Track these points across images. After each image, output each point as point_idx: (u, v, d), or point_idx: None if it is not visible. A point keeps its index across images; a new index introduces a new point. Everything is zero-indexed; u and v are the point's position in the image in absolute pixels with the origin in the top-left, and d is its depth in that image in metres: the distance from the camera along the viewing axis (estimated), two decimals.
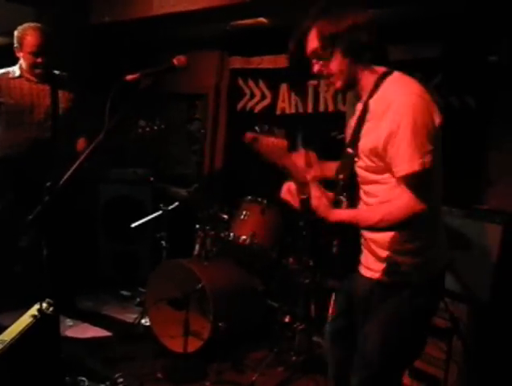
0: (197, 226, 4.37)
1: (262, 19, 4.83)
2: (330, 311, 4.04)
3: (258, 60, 5.44)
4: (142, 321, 4.31)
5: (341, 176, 2.14)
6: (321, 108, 4.96)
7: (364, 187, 2.18)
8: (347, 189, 2.14)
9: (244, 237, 4.21)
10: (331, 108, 4.90)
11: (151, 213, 4.53)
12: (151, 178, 4.79)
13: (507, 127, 3.94)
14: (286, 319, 4.07)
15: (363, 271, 2.27)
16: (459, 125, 4.11)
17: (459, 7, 3.94)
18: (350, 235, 2.13)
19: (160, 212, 4.47)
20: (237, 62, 5.64)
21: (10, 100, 4.03)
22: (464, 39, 4.11)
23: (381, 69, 2.12)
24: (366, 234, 2.21)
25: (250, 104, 5.56)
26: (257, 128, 2.10)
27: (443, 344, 3.29)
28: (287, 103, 5.24)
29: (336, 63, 2.06)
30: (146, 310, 4.21)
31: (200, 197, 4.44)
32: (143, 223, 4.51)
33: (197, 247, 4.35)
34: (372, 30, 2.07)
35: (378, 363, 2.20)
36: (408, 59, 4.40)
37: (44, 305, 2.53)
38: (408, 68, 4.45)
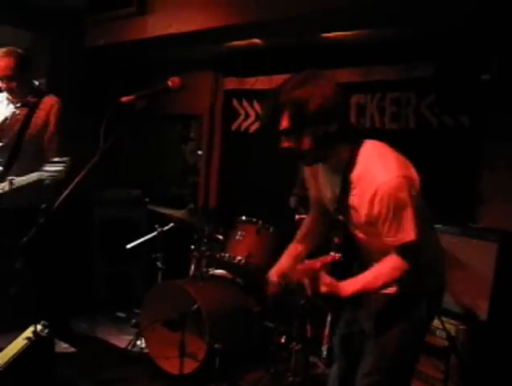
0: (192, 247, 4.37)
1: (255, 40, 4.87)
2: (326, 332, 4.04)
3: (253, 81, 5.47)
4: (138, 342, 4.28)
5: (336, 240, 2.36)
6: None
7: (369, 239, 2.31)
8: (343, 249, 2.32)
9: (239, 258, 4.20)
10: None
11: (146, 234, 4.52)
12: (146, 199, 4.79)
13: (500, 145, 3.97)
14: (282, 340, 4.05)
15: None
16: (452, 144, 4.14)
17: (451, 27, 3.99)
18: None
19: (155, 233, 4.46)
20: (231, 83, 5.67)
21: None
22: (457, 58, 4.15)
23: (351, 143, 2.22)
24: (376, 255, 2.31)
25: (245, 124, 5.59)
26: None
27: (441, 363, 3.27)
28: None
29: (304, 145, 2.17)
30: (142, 332, 4.19)
31: (195, 218, 4.43)
32: (138, 245, 4.50)
33: (192, 268, 4.34)
34: (340, 114, 2.17)
35: (391, 368, 2.37)
36: (402, 78, 4.44)
37: (39, 327, 2.51)
38: (402, 88, 4.54)
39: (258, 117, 5.48)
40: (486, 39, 3.92)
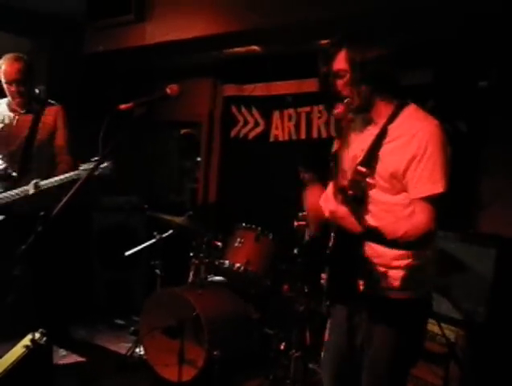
0: (191, 254, 4.36)
1: (254, 47, 4.88)
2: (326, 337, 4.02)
3: (251, 88, 5.48)
4: (137, 350, 4.27)
5: (351, 192, 2.20)
6: (314, 134, 5.00)
7: (371, 208, 2.27)
8: (357, 204, 2.21)
9: (238, 265, 4.20)
10: (324, 134, 4.94)
11: (145, 241, 4.51)
12: (145, 206, 4.79)
13: (499, 151, 3.97)
14: (282, 346, 4.04)
15: (367, 291, 2.29)
16: (451, 150, 4.14)
17: (450, 34, 4.00)
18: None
19: (154, 240, 4.46)
20: (230, 89, 5.68)
21: None
22: (455, 65, 4.16)
23: (396, 101, 2.27)
24: (373, 254, 2.27)
25: (244, 131, 5.59)
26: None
27: (440, 370, 3.27)
28: (281, 130, 5.28)
29: (357, 87, 2.20)
30: (141, 339, 4.18)
31: (194, 224, 4.43)
32: (137, 252, 4.49)
33: (191, 275, 4.34)
34: (393, 65, 2.28)
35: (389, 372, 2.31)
36: (401, 84, 4.44)
37: (37, 335, 2.51)
38: (400, 94, 4.52)
39: (256, 123, 5.48)
40: (484, 45, 3.94)
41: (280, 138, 5.28)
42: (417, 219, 2.12)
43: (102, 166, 3.60)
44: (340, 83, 2.23)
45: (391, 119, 2.22)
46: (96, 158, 3.51)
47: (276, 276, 4.29)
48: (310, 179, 2.31)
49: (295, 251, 3.83)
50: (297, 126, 5.13)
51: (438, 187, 2.09)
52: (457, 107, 4.14)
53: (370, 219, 2.22)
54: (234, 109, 5.66)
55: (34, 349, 2.48)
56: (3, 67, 3.93)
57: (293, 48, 4.83)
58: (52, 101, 4.20)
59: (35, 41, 5.61)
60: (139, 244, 4.50)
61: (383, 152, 2.20)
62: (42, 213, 2.17)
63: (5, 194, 3.83)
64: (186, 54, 5.31)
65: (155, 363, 4.03)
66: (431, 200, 2.11)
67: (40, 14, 5.29)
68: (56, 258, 4.02)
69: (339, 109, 2.23)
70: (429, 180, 2.10)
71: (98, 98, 5.43)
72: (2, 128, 4.06)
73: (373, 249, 2.25)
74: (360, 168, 2.13)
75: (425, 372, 3.41)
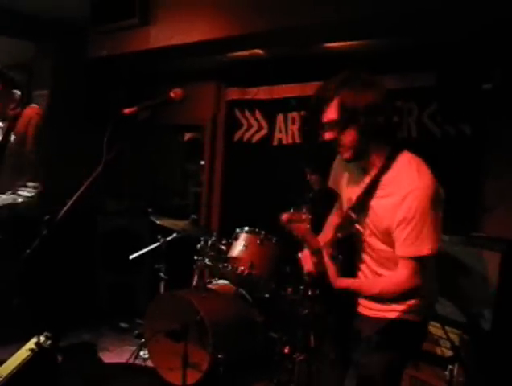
0: (195, 257, 4.36)
1: (257, 51, 4.89)
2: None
3: (255, 91, 5.49)
4: (141, 353, 4.27)
5: (339, 234, 2.37)
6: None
7: (372, 254, 2.35)
8: (343, 247, 2.37)
9: (242, 268, 4.19)
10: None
11: (149, 245, 4.52)
12: (149, 210, 4.79)
13: (503, 154, 3.97)
14: (286, 350, 4.03)
15: (365, 311, 2.42)
16: (455, 153, 4.14)
17: (453, 37, 4.00)
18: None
19: (158, 244, 4.46)
20: (233, 93, 5.69)
21: None
22: (459, 68, 4.16)
23: (389, 148, 2.26)
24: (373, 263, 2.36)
25: (247, 134, 5.60)
26: (291, 210, 2.26)
27: (445, 373, 3.26)
28: (284, 133, 5.28)
29: (349, 137, 2.20)
30: (145, 342, 4.18)
31: (197, 228, 4.43)
32: (141, 255, 4.50)
33: (195, 278, 4.33)
34: (388, 111, 2.22)
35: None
36: (403, 88, 4.45)
37: (42, 338, 2.51)
38: (403, 97, 4.55)
39: (260, 127, 5.49)
40: (488, 48, 3.93)
41: (284, 142, 5.28)
42: (397, 275, 2.18)
43: (29, 194, 3.81)
44: (331, 132, 2.24)
45: (383, 170, 2.24)
46: (31, 184, 3.66)
47: (280, 279, 4.28)
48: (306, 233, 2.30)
49: (299, 254, 3.83)
50: (301, 129, 5.13)
51: (423, 250, 2.12)
52: (461, 109, 4.14)
53: (373, 264, 2.34)
54: (238, 113, 5.66)
55: (39, 352, 2.48)
56: None
57: (296, 51, 4.84)
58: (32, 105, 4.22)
59: (39, 45, 5.64)
60: (143, 248, 4.50)
61: (375, 204, 2.25)
62: (47, 217, 2.17)
63: None
64: (190, 58, 5.32)
65: (159, 367, 4.03)
66: (415, 261, 2.14)
67: (44, 18, 5.31)
68: (61, 262, 4.02)
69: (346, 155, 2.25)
70: (415, 242, 2.12)
71: (102, 102, 5.44)
72: None
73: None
74: (351, 213, 2.28)
75: (430, 375, 3.40)
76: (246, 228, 4.41)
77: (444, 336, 3.22)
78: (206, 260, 4.31)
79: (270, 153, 5.36)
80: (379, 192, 2.23)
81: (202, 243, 4.34)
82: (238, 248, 4.31)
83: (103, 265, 5.50)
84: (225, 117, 5.84)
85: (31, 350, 2.50)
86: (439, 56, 4.21)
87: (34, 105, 4.22)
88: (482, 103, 4.01)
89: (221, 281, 4.46)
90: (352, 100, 2.14)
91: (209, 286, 4.27)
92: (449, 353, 3.24)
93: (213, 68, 5.66)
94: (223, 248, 4.43)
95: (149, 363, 4.13)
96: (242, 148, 5.63)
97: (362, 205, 2.28)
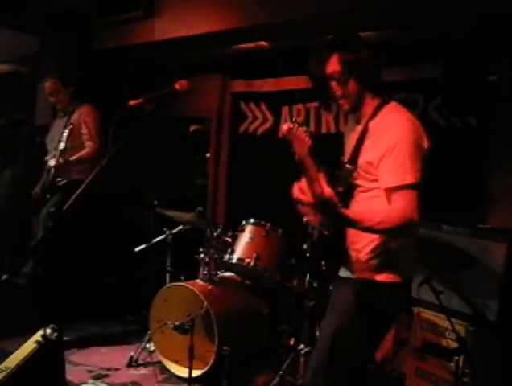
0: (201, 249, 4.37)
1: (262, 43, 4.88)
2: None
3: (260, 83, 5.48)
4: (147, 345, 4.29)
5: (340, 189, 2.36)
6: (324, 130, 4.99)
7: (358, 196, 2.39)
8: (344, 201, 2.34)
9: (248, 260, 4.19)
10: (333, 130, 4.93)
11: (155, 237, 4.52)
12: (155, 202, 4.80)
13: (509, 146, 3.95)
14: (291, 342, 4.04)
15: (341, 272, 2.49)
16: (460, 145, 4.13)
17: (459, 29, 3.98)
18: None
19: (164, 236, 4.47)
20: (238, 85, 5.68)
21: None
22: (464, 60, 4.14)
23: (380, 98, 2.41)
24: (349, 241, 2.40)
25: (252, 127, 5.59)
26: (293, 120, 2.20)
27: (451, 365, 3.26)
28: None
29: (350, 88, 2.33)
30: (151, 335, 4.19)
31: (203, 220, 4.44)
32: (147, 247, 4.51)
33: (201, 270, 4.34)
34: (380, 65, 2.39)
35: (329, 351, 2.36)
36: (409, 79, 4.43)
37: (48, 330, 2.52)
38: (409, 89, 4.53)
39: (265, 119, 5.48)
40: (494, 39, 3.91)
41: None
42: (394, 206, 2.19)
43: None
44: (334, 84, 2.36)
45: (372, 116, 2.36)
46: None
47: (286, 271, 4.29)
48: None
49: (305, 246, 3.83)
50: (306, 121, 5.12)
51: (407, 179, 2.16)
52: (466, 101, 4.13)
53: (356, 206, 2.35)
54: (243, 105, 5.65)
55: (45, 344, 2.49)
56: None
57: (302, 43, 4.82)
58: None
59: (45, 39, 5.64)
60: (149, 240, 4.51)
61: (364, 147, 2.34)
62: (52, 209, 2.19)
63: None
64: (195, 50, 5.31)
65: (165, 359, 4.05)
66: (403, 191, 2.17)
67: (49, 11, 5.30)
68: (67, 254, 4.04)
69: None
70: (398, 172, 2.17)
71: (107, 95, 5.43)
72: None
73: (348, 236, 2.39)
74: (347, 166, 2.36)
75: (435, 367, 3.40)
76: (252, 220, 4.40)
77: (450, 328, 3.21)
78: (212, 252, 4.31)
79: (276, 145, 5.35)
80: (367, 137, 2.35)
81: (208, 235, 4.34)
82: (244, 240, 4.31)
83: (109, 258, 5.51)
84: (230, 110, 5.84)
85: (38, 342, 2.51)
86: (444, 48, 4.19)
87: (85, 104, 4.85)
88: (488, 94, 4.00)
89: (227, 273, 4.47)
90: (351, 53, 2.29)
91: (215, 278, 4.28)
92: (455, 344, 3.23)
93: (218, 61, 5.65)
94: (229, 240, 4.43)
95: (155, 356, 4.14)
96: (248, 140, 5.62)
97: (356, 154, 2.37)
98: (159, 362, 4.08)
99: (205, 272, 4.28)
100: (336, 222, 2.24)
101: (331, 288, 2.90)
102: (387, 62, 4.49)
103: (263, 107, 5.49)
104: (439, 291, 3.24)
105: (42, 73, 5.68)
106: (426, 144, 2.30)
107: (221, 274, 4.43)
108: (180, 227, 4.49)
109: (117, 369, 4.12)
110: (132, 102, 2.26)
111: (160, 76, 5.54)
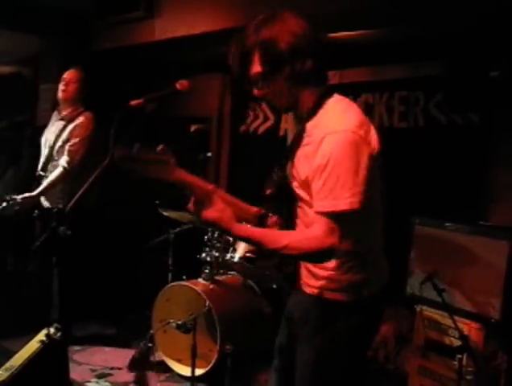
0: (203, 249, 4.37)
1: None
2: None
3: None
4: (149, 344, 4.29)
5: (269, 191, 2.13)
6: None
7: (299, 211, 2.10)
8: (274, 204, 2.13)
9: (249, 254, 4.19)
10: None
11: (157, 236, 4.53)
12: (157, 202, 4.80)
13: (510, 142, 3.95)
14: None
15: (303, 287, 2.17)
16: (462, 142, 4.13)
17: (460, 26, 3.98)
18: None
19: (166, 235, 4.47)
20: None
21: None
22: (465, 56, 4.14)
23: (320, 89, 2.02)
24: None
25: (253, 125, 5.59)
26: (134, 149, 1.99)
27: (454, 363, 3.26)
28: (290, 123, 5.27)
29: (277, 87, 2.00)
30: (153, 334, 4.20)
31: None
32: (149, 247, 4.52)
33: (203, 269, 4.35)
34: (316, 51, 1.97)
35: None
36: (410, 77, 4.43)
37: (52, 330, 2.53)
38: (410, 86, 4.53)
39: (266, 118, 5.48)
40: (495, 36, 3.91)
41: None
42: (311, 232, 1.87)
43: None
44: (258, 87, 2.06)
45: (310, 114, 1.99)
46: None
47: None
48: None
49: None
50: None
51: (339, 205, 1.79)
52: (468, 98, 4.12)
53: (305, 219, 2.05)
54: (244, 104, 5.65)
55: (49, 344, 2.49)
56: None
57: None
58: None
59: (45, 40, 5.64)
60: (151, 239, 4.52)
61: (300, 154, 2.02)
62: (55, 209, 2.19)
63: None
64: (195, 49, 5.31)
65: (168, 358, 4.05)
66: (331, 217, 1.81)
67: (49, 12, 5.30)
68: (70, 254, 4.04)
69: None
70: (329, 195, 1.81)
71: (108, 95, 5.43)
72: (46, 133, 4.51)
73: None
74: (276, 170, 2.09)
75: (438, 365, 3.41)
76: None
77: (453, 325, 3.21)
78: (214, 251, 4.32)
79: (277, 143, 5.35)
80: (304, 140, 2.00)
81: (209, 234, 4.34)
82: None
83: (111, 257, 5.51)
84: (230, 109, 5.84)
85: (42, 341, 2.52)
86: (445, 45, 4.19)
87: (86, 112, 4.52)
88: (489, 91, 3.99)
89: (229, 273, 4.47)
90: (272, 48, 1.93)
91: (217, 278, 4.28)
92: (458, 342, 3.23)
93: (219, 60, 5.62)
94: (230, 239, 4.43)
95: (157, 354, 4.15)
96: (249, 139, 5.63)
97: (291, 156, 2.07)
98: (162, 361, 4.09)
99: (207, 271, 4.28)
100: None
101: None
102: (388, 60, 4.55)
103: (264, 105, 5.49)
104: (441, 289, 3.24)
105: (43, 74, 5.69)
106: (371, 149, 1.88)
107: (223, 273, 4.44)
108: (182, 227, 4.50)
109: (119, 368, 4.12)
110: (133, 102, 2.26)
111: (161, 76, 5.54)
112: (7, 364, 2.48)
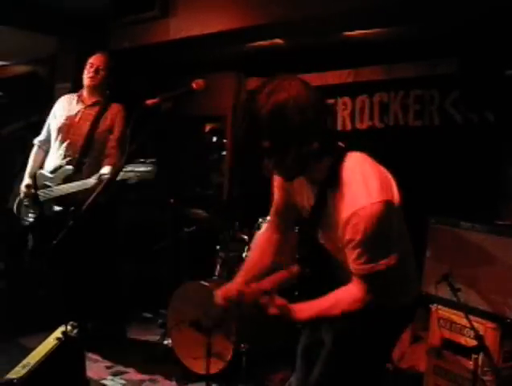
0: (218, 247, 4.38)
1: (277, 40, 4.88)
2: None
3: None
4: (164, 342, 4.31)
5: (303, 252, 2.29)
6: (339, 126, 4.98)
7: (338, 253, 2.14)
8: (310, 263, 2.29)
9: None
10: (349, 126, 4.92)
11: (172, 235, 4.55)
12: (171, 201, 4.82)
13: None
14: None
15: None
16: (478, 140, 4.11)
17: (475, 23, 3.95)
18: None
19: (181, 234, 4.49)
20: (254, 83, 5.68)
21: (55, 120, 4.23)
22: (481, 54, 4.12)
23: (330, 158, 2.02)
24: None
25: None
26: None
27: (469, 362, 3.24)
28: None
29: (288, 162, 1.98)
30: (168, 332, 4.22)
31: (220, 218, 4.45)
32: (164, 245, 4.53)
33: (218, 268, 4.36)
34: (321, 120, 1.94)
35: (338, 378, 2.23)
36: (425, 75, 4.42)
37: (69, 327, 2.55)
38: (425, 85, 4.51)
39: None
40: (510, 33, 3.88)
41: None
42: (352, 296, 2.00)
43: (146, 169, 3.67)
44: (271, 158, 2.00)
45: (328, 180, 2.00)
46: (141, 160, 3.61)
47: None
48: None
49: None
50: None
51: (377, 267, 1.92)
52: (484, 96, 4.10)
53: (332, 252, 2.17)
54: None
55: (65, 341, 2.52)
56: (92, 57, 4.28)
57: (316, 40, 4.81)
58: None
59: (62, 39, 5.68)
60: (166, 238, 4.53)
61: (326, 216, 2.06)
62: (72, 208, 2.21)
63: (64, 186, 3.91)
64: (209, 48, 5.33)
65: (183, 356, 4.06)
66: (372, 276, 1.94)
67: (67, 12, 5.34)
68: (85, 252, 4.06)
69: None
70: (367, 261, 1.92)
71: (124, 94, 5.46)
72: (66, 118, 4.21)
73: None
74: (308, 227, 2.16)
75: (453, 365, 3.39)
76: (268, 217, 4.41)
77: (468, 325, 3.19)
78: (228, 249, 4.33)
79: None
80: (328, 209, 2.04)
81: (224, 232, 4.35)
82: None
83: (126, 256, 5.54)
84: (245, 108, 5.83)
85: (58, 339, 2.54)
86: (461, 43, 4.17)
87: (117, 103, 4.41)
88: (505, 89, 3.97)
89: None
90: (280, 127, 1.87)
91: (232, 276, 4.28)
92: (473, 342, 3.21)
93: (233, 58, 5.66)
94: (245, 237, 4.44)
95: (172, 353, 4.16)
96: None
97: (317, 220, 2.13)
98: (177, 359, 4.10)
99: (222, 269, 4.29)
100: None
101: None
102: (403, 58, 4.53)
103: None
104: (457, 288, 3.22)
105: (60, 74, 5.73)
106: (397, 202, 1.97)
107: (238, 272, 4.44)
108: (197, 225, 4.51)
109: (135, 366, 4.14)
110: (149, 101, 2.27)
111: (176, 75, 5.56)
112: (24, 361, 2.51)
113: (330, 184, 2.00)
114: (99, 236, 4.32)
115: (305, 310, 2.06)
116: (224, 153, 6.12)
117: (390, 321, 2.20)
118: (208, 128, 6.47)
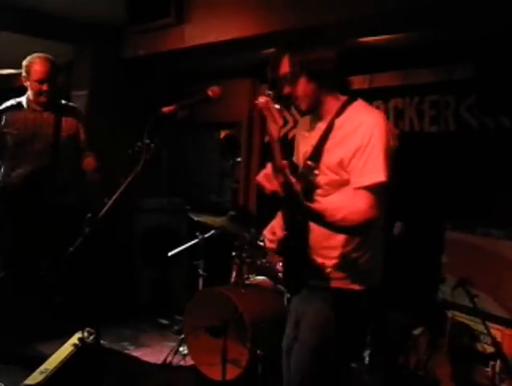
0: (233, 253, 4.38)
1: None
2: (368, 338, 3.99)
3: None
4: (180, 349, 4.32)
5: (300, 186, 2.20)
6: None
7: (320, 193, 2.30)
8: (294, 236, 2.33)
9: (280, 264, 4.19)
10: None
11: (187, 241, 4.56)
12: (187, 207, 4.84)
13: None
14: None
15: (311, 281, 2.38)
16: (494, 145, 4.08)
17: (491, 28, 3.94)
18: None
19: (196, 240, 4.50)
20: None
21: (14, 130, 4.19)
22: (497, 59, 4.10)
23: (344, 97, 2.33)
24: (316, 245, 2.32)
25: (283, 130, 5.60)
26: (268, 93, 2.29)
27: (486, 370, 3.22)
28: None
29: (301, 87, 2.29)
30: (184, 338, 4.23)
31: (235, 225, 4.45)
32: (180, 252, 4.55)
33: (234, 274, 4.36)
34: (337, 63, 2.31)
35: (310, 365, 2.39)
36: (440, 81, 4.40)
37: (85, 333, 2.57)
38: (441, 90, 4.49)
39: (296, 123, 5.48)
40: None
41: None
42: (357, 206, 2.13)
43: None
44: (287, 87, 2.32)
45: (338, 113, 2.28)
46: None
47: None
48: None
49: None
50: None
51: (380, 176, 2.12)
52: (500, 101, 4.08)
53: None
54: None
55: (82, 347, 2.53)
56: (34, 66, 4.12)
57: (331, 47, 4.81)
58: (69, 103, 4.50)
59: (78, 47, 5.74)
60: (182, 245, 4.55)
61: (330, 144, 2.26)
62: (89, 215, 2.22)
63: None
64: (224, 55, 5.35)
65: (199, 362, 4.07)
66: (372, 189, 2.13)
67: (81, 20, 5.40)
68: (101, 259, 4.09)
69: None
70: (372, 170, 2.13)
71: (140, 102, 5.51)
72: (25, 127, 4.21)
73: (314, 240, 2.30)
74: (308, 162, 2.27)
75: (470, 372, 3.37)
76: None
77: (485, 331, 3.18)
78: (244, 256, 4.33)
79: None
80: (333, 134, 2.26)
81: (240, 239, 4.36)
82: None
83: (142, 262, 5.57)
84: (260, 114, 5.84)
85: (75, 345, 2.56)
86: (476, 48, 4.16)
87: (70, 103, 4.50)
88: None
89: (260, 277, 4.47)
90: (299, 53, 2.26)
91: (248, 282, 4.29)
92: (490, 349, 3.19)
93: (248, 65, 5.67)
94: (261, 243, 4.44)
95: (188, 359, 4.17)
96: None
97: (319, 150, 2.30)
98: (193, 365, 4.11)
99: (238, 276, 4.29)
100: (299, 214, 2.19)
101: (288, 295, 2.94)
102: (419, 63, 4.52)
103: (294, 110, 5.48)
104: (473, 294, 3.21)
105: (76, 81, 5.78)
106: (394, 143, 2.23)
107: (254, 278, 4.44)
108: (213, 232, 4.52)
109: (150, 372, 4.15)
110: (165, 109, 2.29)
111: (191, 82, 5.60)
112: (42, 367, 2.53)
113: (340, 114, 2.27)
114: (115, 243, 4.35)
115: (316, 205, 2.15)
116: (239, 159, 6.13)
117: (360, 304, 2.32)
118: (223, 134, 6.49)
